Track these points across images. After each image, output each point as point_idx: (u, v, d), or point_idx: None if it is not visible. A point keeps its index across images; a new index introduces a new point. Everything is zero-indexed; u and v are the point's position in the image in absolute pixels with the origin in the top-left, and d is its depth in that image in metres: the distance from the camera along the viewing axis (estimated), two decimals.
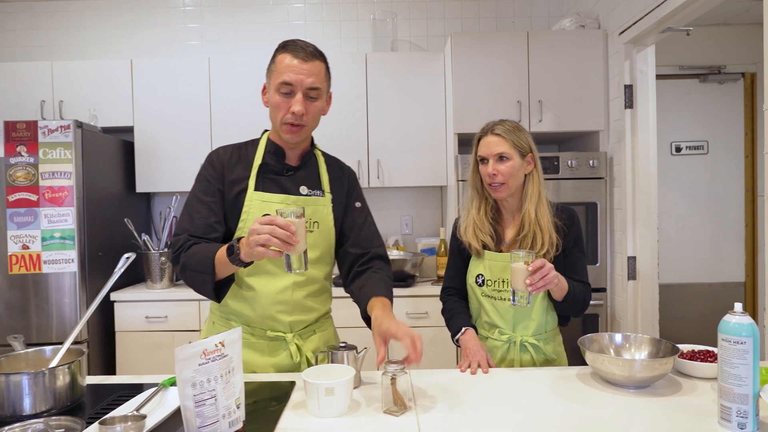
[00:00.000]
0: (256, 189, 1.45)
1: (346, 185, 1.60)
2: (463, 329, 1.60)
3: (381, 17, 3.35)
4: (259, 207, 1.44)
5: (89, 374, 2.77)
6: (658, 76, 2.75)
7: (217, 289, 1.39)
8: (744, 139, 3.80)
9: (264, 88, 1.48)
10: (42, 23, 3.58)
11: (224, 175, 1.46)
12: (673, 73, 3.74)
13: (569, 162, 2.84)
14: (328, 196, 1.54)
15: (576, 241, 1.61)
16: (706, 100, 3.78)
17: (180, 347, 0.98)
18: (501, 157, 1.57)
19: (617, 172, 2.82)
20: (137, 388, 1.35)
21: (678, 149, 3.80)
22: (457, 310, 1.68)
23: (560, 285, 1.47)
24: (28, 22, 3.58)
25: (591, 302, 2.81)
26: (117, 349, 2.94)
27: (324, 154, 1.62)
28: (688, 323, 3.77)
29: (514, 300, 1.40)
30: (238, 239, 1.29)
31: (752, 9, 3.43)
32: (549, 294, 1.57)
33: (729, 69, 3.73)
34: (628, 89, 2.70)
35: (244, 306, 1.46)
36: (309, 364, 1.50)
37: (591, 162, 2.84)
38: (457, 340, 1.61)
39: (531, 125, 2.92)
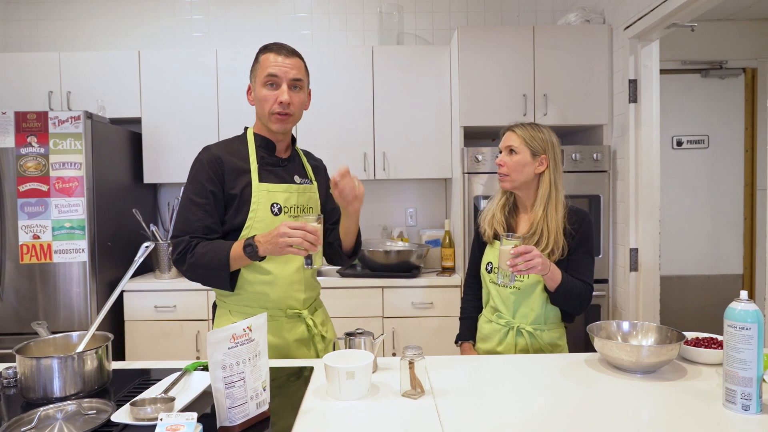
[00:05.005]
0: (260, 180, 1.54)
1: (323, 175, 1.78)
2: (460, 342, 1.85)
3: (387, 10, 3.37)
4: (266, 197, 1.54)
5: None
6: (661, 71, 2.79)
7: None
8: (744, 134, 3.85)
9: (249, 89, 1.61)
10: (47, 14, 3.59)
11: (222, 172, 1.52)
12: (676, 68, 3.78)
13: (573, 155, 2.87)
14: (315, 184, 1.70)
15: (583, 242, 1.67)
16: (708, 94, 3.82)
17: (211, 331, 1.02)
18: (510, 151, 1.69)
19: (620, 165, 2.86)
20: (160, 374, 1.40)
21: (679, 143, 3.84)
22: (465, 315, 1.87)
23: (550, 275, 1.56)
24: (34, 13, 3.59)
25: (594, 293, 2.89)
26: (126, 338, 2.98)
27: (300, 148, 1.77)
28: (687, 315, 3.83)
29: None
30: (252, 237, 1.43)
31: (754, 5, 3.47)
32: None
33: (730, 64, 3.77)
34: (633, 84, 2.74)
35: (264, 289, 1.54)
36: (322, 337, 1.65)
37: (595, 155, 2.88)
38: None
39: (536, 118, 2.96)
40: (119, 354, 3.00)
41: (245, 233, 1.51)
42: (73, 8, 3.58)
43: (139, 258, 1.50)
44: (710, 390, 1.24)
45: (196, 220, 1.49)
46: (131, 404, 1.11)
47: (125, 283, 1.44)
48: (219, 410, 1.04)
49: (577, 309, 1.65)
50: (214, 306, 1.65)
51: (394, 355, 2.95)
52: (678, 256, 3.86)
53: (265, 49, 1.57)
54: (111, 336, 1.35)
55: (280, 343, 1.57)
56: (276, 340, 1.56)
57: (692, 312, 3.85)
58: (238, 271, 1.52)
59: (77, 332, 1.38)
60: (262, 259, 1.47)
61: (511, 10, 3.56)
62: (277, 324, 1.57)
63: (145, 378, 1.37)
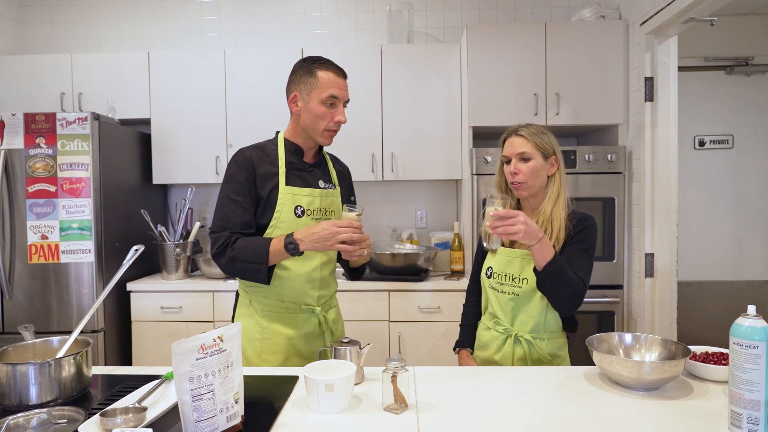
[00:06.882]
0: (287, 184, 1.62)
1: (347, 180, 1.85)
2: (458, 349, 1.79)
3: (397, 8, 3.31)
4: (291, 200, 1.61)
5: (106, 363, 2.83)
6: (682, 68, 2.67)
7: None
8: None
9: (294, 97, 1.63)
10: (60, 16, 3.62)
11: (255, 174, 1.60)
12: (698, 65, 3.62)
13: (587, 156, 2.77)
14: (338, 189, 1.77)
15: (578, 241, 1.58)
16: (732, 93, 3.66)
17: (177, 342, 0.98)
18: (523, 157, 1.61)
19: (636, 166, 2.74)
20: (143, 380, 1.37)
21: (702, 143, 3.69)
22: (465, 322, 1.82)
23: (539, 248, 1.45)
24: (48, 15, 3.63)
25: (607, 299, 2.79)
26: (133, 338, 2.98)
27: (327, 152, 1.82)
28: (709, 322, 3.67)
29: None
30: (291, 234, 1.50)
31: None
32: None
33: (757, 60, 3.60)
34: (649, 81, 2.62)
35: (281, 285, 1.62)
36: (331, 333, 1.69)
37: (609, 156, 2.77)
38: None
39: (548, 118, 2.87)
40: (127, 354, 3.01)
41: (269, 231, 1.59)
42: (85, 10, 3.61)
43: (127, 261, 1.49)
44: (716, 410, 1.15)
45: (234, 216, 1.57)
46: (101, 414, 1.08)
47: (112, 286, 1.42)
48: (185, 424, 0.99)
49: (567, 300, 1.51)
50: (237, 295, 1.74)
51: None
52: (700, 261, 3.71)
53: (322, 65, 1.60)
54: (90, 341, 1.33)
55: (291, 334, 1.64)
56: (288, 331, 1.63)
57: (715, 319, 3.69)
58: (274, 265, 1.59)
59: (58, 337, 1.36)
60: (302, 254, 1.53)
61: (525, 7, 3.46)
62: (292, 317, 1.64)
63: (126, 384, 1.34)
